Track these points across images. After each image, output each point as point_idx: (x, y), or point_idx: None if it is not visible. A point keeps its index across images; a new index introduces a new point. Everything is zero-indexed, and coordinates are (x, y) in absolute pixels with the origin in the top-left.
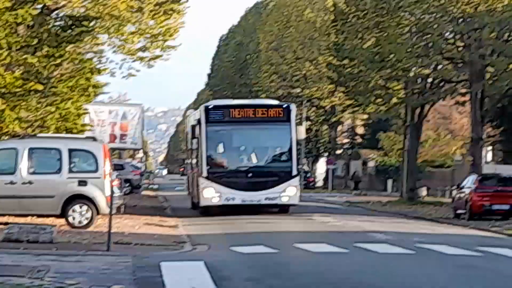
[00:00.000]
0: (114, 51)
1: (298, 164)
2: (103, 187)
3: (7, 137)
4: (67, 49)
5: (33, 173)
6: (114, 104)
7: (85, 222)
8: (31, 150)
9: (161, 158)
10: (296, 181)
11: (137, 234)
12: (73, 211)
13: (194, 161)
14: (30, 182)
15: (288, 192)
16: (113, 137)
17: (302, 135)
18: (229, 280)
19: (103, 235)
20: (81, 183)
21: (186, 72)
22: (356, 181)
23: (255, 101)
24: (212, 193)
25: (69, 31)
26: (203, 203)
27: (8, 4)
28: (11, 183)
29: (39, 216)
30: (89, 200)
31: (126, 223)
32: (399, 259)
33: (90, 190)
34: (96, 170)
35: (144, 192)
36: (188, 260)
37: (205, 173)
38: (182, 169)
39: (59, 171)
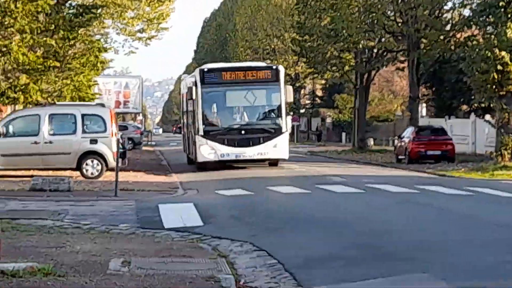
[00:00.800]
0: (117, 33)
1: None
2: (111, 145)
3: (31, 105)
4: (79, 32)
5: (53, 134)
6: (118, 76)
7: (96, 173)
8: (51, 115)
9: (157, 120)
10: (285, 137)
11: (139, 182)
12: (86, 164)
13: (191, 120)
14: (50, 142)
15: (278, 147)
16: (118, 103)
17: (291, 94)
18: (214, 217)
19: (111, 183)
20: (93, 141)
21: (176, 48)
22: (318, 135)
23: (246, 64)
24: (208, 150)
25: (80, 17)
26: (200, 159)
27: None
28: (35, 143)
29: (58, 169)
30: (99, 155)
31: (130, 174)
32: (352, 197)
33: (100, 147)
34: (104, 131)
35: (144, 148)
36: (180, 202)
37: (201, 132)
38: (174, 128)
39: (74, 132)
